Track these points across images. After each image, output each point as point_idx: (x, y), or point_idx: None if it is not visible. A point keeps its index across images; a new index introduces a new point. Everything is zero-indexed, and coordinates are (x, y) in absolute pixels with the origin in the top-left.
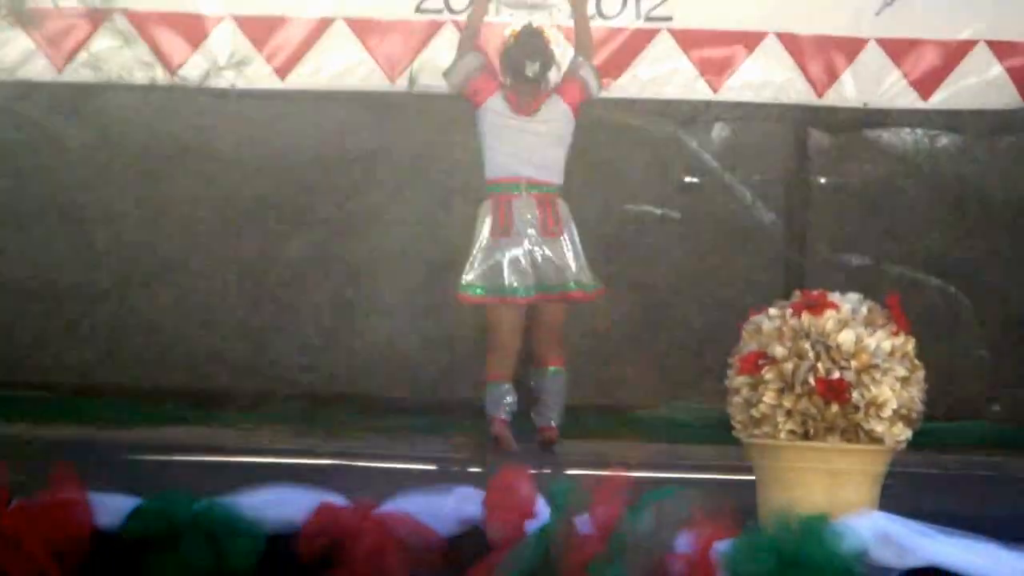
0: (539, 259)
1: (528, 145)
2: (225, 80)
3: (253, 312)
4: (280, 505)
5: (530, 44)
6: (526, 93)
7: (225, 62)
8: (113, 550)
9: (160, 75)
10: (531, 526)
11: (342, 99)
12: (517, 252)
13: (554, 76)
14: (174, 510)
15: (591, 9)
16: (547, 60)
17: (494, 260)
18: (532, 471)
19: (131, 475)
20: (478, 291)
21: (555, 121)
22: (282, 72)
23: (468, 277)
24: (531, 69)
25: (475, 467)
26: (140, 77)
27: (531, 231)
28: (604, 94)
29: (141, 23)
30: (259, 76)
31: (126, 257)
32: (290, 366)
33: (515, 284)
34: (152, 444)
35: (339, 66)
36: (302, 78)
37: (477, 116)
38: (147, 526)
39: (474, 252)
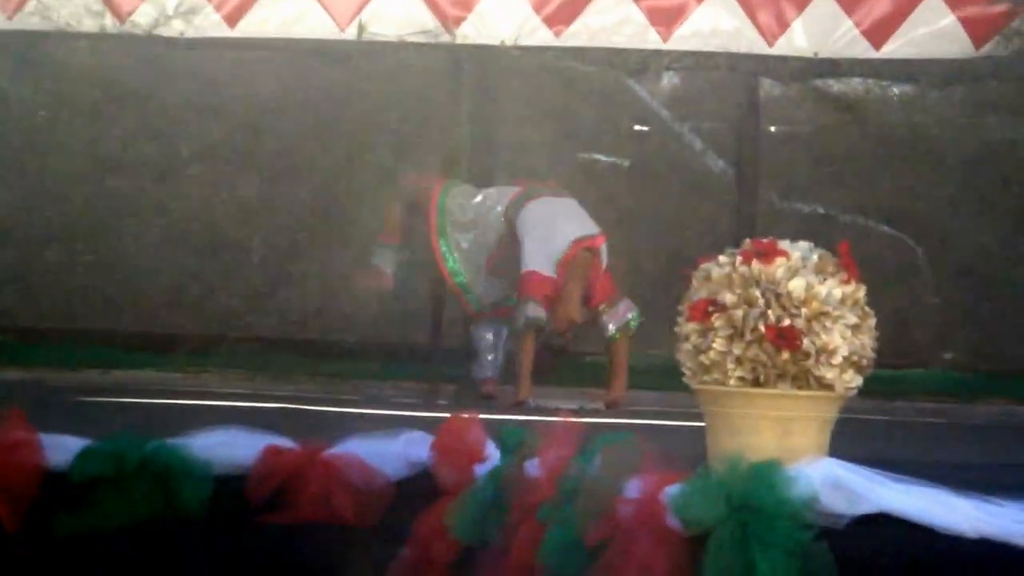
0: None
1: None
2: (174, 28)
3: (202, 256)
4: (229, 447)
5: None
6: None
7: (174, 10)
8: (62, 490)
9: (110, 23)
10: (481, 470)
11: (291, 47)
12: None
13: None
14: (123, 451)
15: None
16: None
17: None
18: (483, 416)
19: (81, 417)
20: None
21: None
22: (231, 20)
23: None
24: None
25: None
26: (89, 25)
27: None
28: (554, 42)
29: None
30: (208, 24)
31: (75, 202)
32: (239, 310)
33: None
34: (101, 387)
35: (288, 14)
36: (251, 26)
37: None
38: (96, 467)
39: None
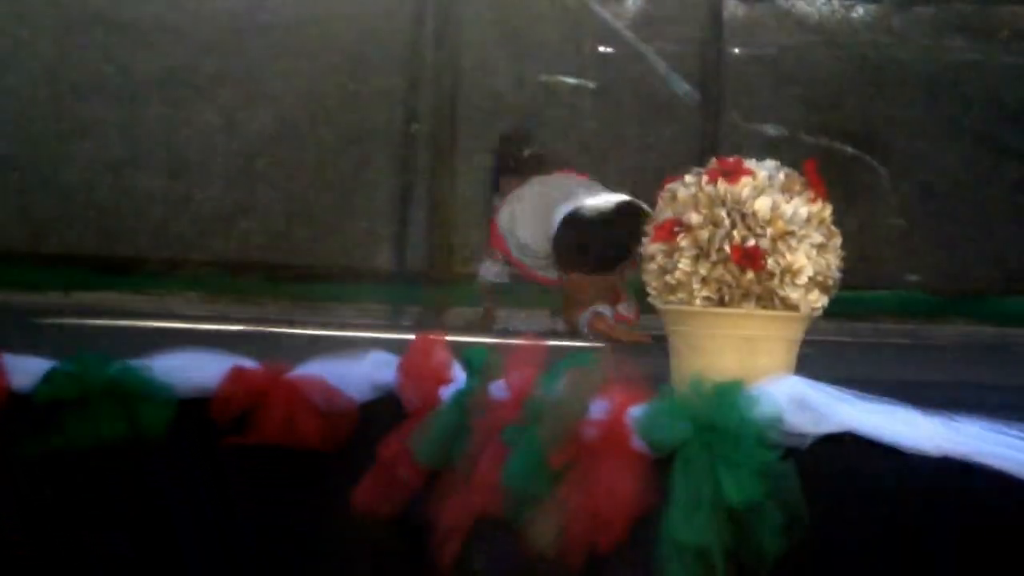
0: None
1: None
2: None
3: (164, 179)
4: (193, 369)
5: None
6: None
7: None
8: (26, 412)
9: None
10: (446, 391)
11: None
12: None
13: None
14: (87, 373)
15: None
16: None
17: None
18: (448, 338)
19: (43, 339)
20: None
21: None
22: None
23: None
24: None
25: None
26: None
27: None
28: None
29: None
30: None
31: (36, 123)
32: (202, 233)
33: None
34: (64, 309)
35: None
36: None
37: None
38: (60, 389)
39: None
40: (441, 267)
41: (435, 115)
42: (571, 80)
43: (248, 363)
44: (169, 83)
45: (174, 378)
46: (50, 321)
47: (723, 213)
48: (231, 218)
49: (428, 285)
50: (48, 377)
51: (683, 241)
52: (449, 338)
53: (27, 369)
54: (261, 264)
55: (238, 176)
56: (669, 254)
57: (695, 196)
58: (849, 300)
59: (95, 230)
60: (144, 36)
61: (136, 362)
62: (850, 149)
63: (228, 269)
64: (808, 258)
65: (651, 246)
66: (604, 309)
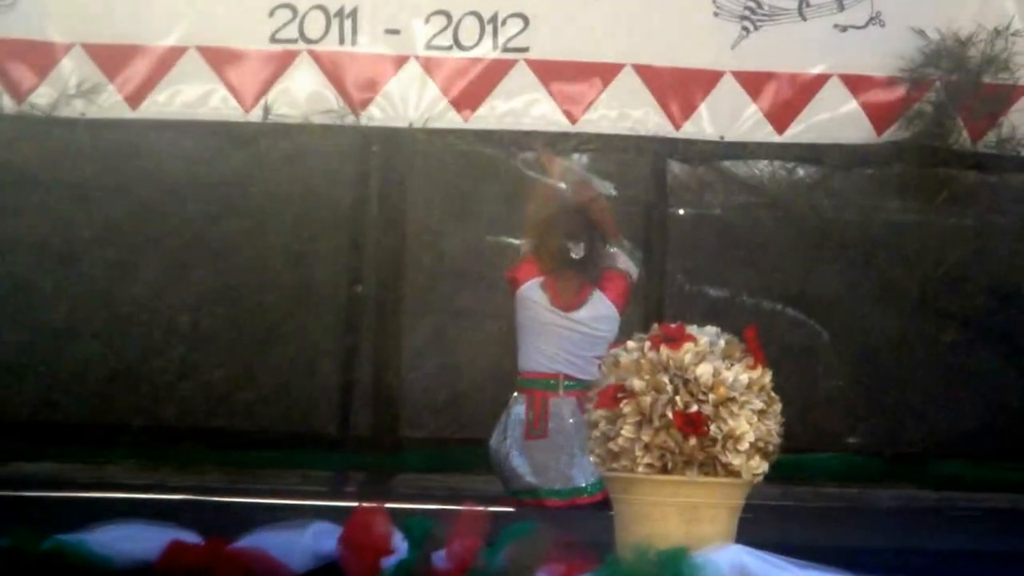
0: (573, 461)
1: (570, 343)
2: (75, 109)
3: (105, 343)
4: (132, 542)
5: (572, 224)
6: (568, 284)
7: (75, 90)
8: None
9: (8, 103)
10: (388, 563)
11: (195, 128)
12: (552, 454)
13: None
14: (22, 548)
15: (448, 39)
16: (591, 243)
17: (531, 463)
18: (389, 507)
19: None
20: (523, 496)
21: (600, 323)
22: (133, 101)
23: (513, 486)
24: (575, 251)
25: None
26: None
27: (567, 432)
28: (462, 125)
29: None
30: (110, 105)
31: None
32: (143, 398)
33: (554, 487)
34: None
35: (192, 95)
36: (154, 107)
37: (515, 301)
38: None
39: (510, 454)
40: (386, 433)
41: (380, 276)
42: (516, 241)
43: (188, 536)
44: (108, 244)
45: (112, 551)
46: None
47: (666, 379)
48: (172, 383)
49: (373, 451)
50: None
51: (626, 407)
52: (391, 506)
53: None
54: (203, 430)
55: (179, 339)
56: (612, 420)
57: (638, 362)
58: (790, 463)
59: (30, 396)
60: (83, 196)
61: (72, 536)
62: (792, 311)
63: (170, 435)
64: (749, 424)
65: (594, 413)
66: None
